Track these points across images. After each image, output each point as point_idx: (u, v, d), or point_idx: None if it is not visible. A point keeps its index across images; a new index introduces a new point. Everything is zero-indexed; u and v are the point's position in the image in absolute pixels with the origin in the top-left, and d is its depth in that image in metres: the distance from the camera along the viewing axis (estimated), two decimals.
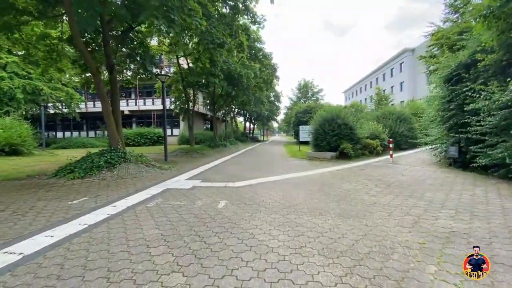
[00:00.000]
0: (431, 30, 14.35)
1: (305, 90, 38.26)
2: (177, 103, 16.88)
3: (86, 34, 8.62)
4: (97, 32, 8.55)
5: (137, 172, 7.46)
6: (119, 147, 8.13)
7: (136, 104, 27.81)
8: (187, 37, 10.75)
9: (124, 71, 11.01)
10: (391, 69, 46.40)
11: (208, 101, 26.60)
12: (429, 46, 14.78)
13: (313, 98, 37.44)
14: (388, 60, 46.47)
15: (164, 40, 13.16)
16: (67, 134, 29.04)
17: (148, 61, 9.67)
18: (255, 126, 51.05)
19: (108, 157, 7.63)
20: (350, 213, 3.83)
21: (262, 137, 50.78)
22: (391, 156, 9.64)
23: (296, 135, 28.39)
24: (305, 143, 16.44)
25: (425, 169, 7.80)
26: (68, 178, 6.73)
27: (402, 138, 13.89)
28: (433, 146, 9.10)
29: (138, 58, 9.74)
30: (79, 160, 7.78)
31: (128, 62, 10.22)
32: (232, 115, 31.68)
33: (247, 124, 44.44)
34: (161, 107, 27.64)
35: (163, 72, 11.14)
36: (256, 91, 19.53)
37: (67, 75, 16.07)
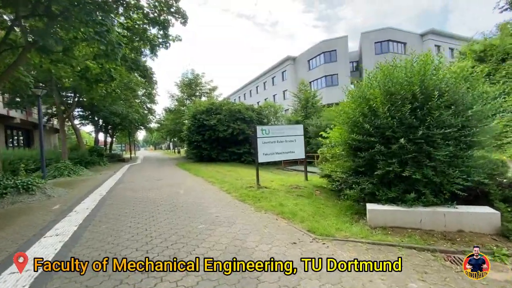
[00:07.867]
0: None
1: (192, 87, 27.54)
2: None
3: None
4: None
5: None
6: None
7: None
8: None
9: None
10: (273, 78, 46.14)
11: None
12: None
13: (203, 98, 27.67)
14: (269, 69, 45.94)
15: None
16: None
17: None
18: (114, 139, 34.02)
19: None
20: None
21: (130, 152, 34.73)
22: None
23: (207, 150, 17.25)
24: (267, 164, 7.33)
25: None
26: None
27: None
28: None
29: None
30: None
31: None
32: (67, 113, 16.08)
33: (101, 135, 27.68)
34: None
35: None
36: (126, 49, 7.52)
37: None
